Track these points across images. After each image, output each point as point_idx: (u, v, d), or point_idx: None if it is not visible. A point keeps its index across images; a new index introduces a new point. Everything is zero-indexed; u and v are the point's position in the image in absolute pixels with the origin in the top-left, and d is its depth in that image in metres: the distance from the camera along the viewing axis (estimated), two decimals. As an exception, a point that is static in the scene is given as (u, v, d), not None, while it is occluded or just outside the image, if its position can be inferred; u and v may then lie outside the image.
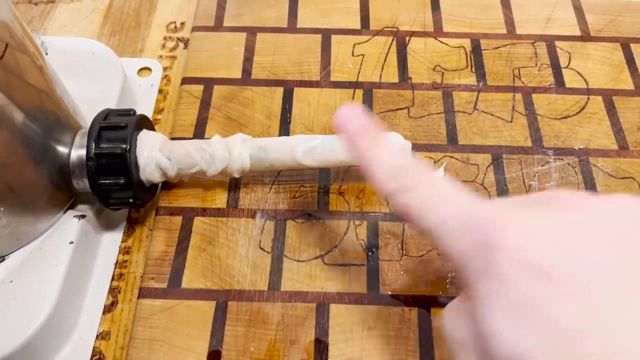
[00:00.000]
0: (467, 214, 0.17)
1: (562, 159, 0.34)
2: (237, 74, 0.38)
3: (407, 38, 0.40)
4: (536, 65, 0.38)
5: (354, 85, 0.37)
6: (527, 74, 0.38)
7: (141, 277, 0.31)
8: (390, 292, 0.29)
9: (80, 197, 0.31)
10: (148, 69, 0.40)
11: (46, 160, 0.28)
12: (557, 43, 0.40)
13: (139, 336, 0.28)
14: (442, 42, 0.40)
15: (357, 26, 0.41)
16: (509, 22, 0.41)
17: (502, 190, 0.33)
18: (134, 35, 0.42)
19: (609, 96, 0.37)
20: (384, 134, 0.22)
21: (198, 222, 0.31)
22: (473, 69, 0.38)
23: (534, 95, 0.37)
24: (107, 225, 0.33)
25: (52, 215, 0.29)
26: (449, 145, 0.34)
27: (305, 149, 0.30)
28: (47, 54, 0.33)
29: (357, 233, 0.31)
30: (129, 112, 0.30)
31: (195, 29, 0.40)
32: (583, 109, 0.36)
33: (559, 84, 0.37)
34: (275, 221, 0.31)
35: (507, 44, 0.40)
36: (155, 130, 0.32)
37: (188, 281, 0.29)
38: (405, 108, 0.36)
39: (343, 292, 0.29)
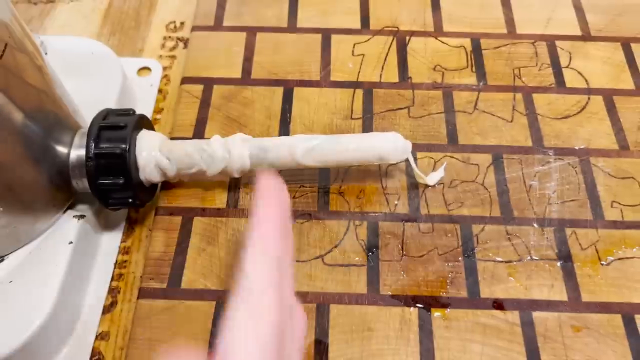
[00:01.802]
0: None
1: (562, 159, 0.34)
2: (237, 73, 0.38)
3: (407, 38, 0.40)
4: (536, 65, 0.38)
5: (354, 85, 0.37)
6: (528, 73, 0.38)
7: (141, 277, 0.30)
8: (390, 292, 0.29)
9: (79, 197, 0.31)
10: (148, 68, 0.40)
11: (46, 160, 0.28)
12: (558, 43, 0.40)
13: (138, 336, 0.28)
14: (442, 42, 0.40)
15: (357, 26, 0.40)
16: (509, 22, 0.41)
17: (502, 190, 0.33)
18: (133, 35, 0.42)
19: (609, 96, 0.37)
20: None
21: (198, 222, 0.31)
22: (473, 69, 0.38)
23: (534, 95, 0.37)
24: (107, 225, 0.33)
25: (52, 215, 0.29)
26: (449, 145, 0.34)
27: (305, 149, 0.30)
28: (46, 54, 0.33)
29: (357, 233, 0.31)
30: (129, 112, 0.30)
31: (195, 28, 0.40)
32: (583, 108, 0.36)
33: (560, 84, 0.37)
34: (275, 221, 0.31)
35: (508, 44, 0.40)
36: (154, 130, 0.32)
37: (188, 281, 0.29)
38: (405, 108, 0.36)
39: (343, 292, 0.29)
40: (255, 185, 0.21)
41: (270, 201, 0.21)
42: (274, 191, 0.21)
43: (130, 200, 0.29)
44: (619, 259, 0.30)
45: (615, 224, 0.32)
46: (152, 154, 0.29)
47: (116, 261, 0.32)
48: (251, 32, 0.40)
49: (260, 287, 0.18)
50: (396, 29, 0.40)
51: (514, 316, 0.28)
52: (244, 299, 0.18)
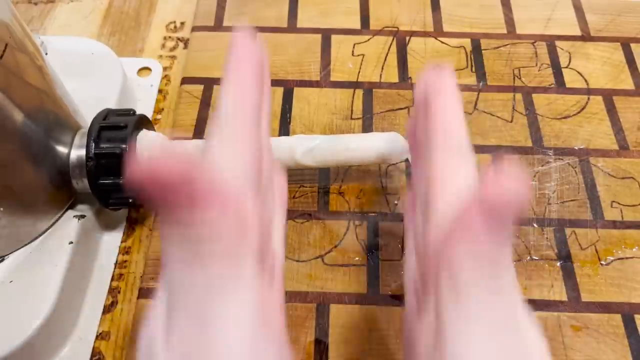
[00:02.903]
0: None
1: (562, 159, 0.34)
2: (237, 73, 0.38)
3: (407, 38, 0.40)
4: (536, 65, 0.38)
5: (354, 85, 0.37)
6: (527, 73, 0.38)
7: (141, 277, 0.30)
8: (390, 292, 0.29)
9: (80, 197, 0.31)
10: (148, 68, 0.40)
11: (46, 160, 0.28)
12: (558, 43, 0.40)
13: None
14: (442, 42, 0.40)
15: (357, 26, 0.41)
16: (509, 22, 0.41)
17: (502, 190, 0.33)
18: (133, 35, 0.42)
19: (609, 96, 0.37)
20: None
21: (198, 222, 0.31)
22: (473, 69, 0.38)
23: (534, 95, 0.37)
24: (107, 225, 0.33)
25: (52, 215, 0.29)
26: (449, 145, 0.34)
27: (305, 149, 0.30)
28: (47, 54, 0.33)
29: (357, 233, 0.31)
30: (129, 112, 0.30)
31: (195, 28, 0.40)
32: (583, 108, 0.36)
33: (559, 84, 0.37)
34: (275, 221, 0.31)
35: (507, 44, 0.40)
36: (155, 130, 0.32)
37: (188, 281, 0.29)
38: (405, 108, 0.36)
39: (343, 292, 0.29)
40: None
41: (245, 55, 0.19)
42: (249, 47, 0.19)
43: (130, 201, 0.29)
44: (619, 258, 0.30)
45: (615, 224, 0.32)
46: (153, 154, 0.29)
47: (116, 261, 0.32)
48: (251, 32, 0.40)
49: (236, 118, 0.17)
50: (396, 29, 0.40)
51: (513, 316, 0.28)
52: (220, 128, 0.17)
